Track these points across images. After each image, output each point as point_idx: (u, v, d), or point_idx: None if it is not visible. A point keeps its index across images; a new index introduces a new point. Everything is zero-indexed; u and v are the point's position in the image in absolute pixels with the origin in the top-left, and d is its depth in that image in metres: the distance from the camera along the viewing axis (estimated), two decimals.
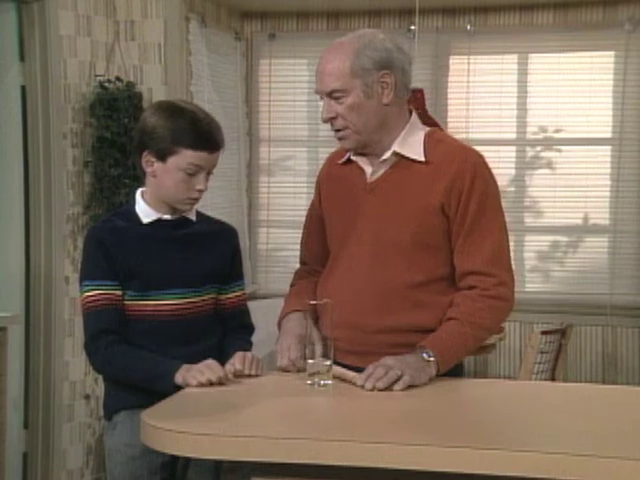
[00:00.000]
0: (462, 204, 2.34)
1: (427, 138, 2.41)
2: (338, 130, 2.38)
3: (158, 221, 2.45)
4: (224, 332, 2.54)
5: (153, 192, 2.44)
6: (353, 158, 2.47)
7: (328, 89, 2.34)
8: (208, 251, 2.49)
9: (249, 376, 2.34)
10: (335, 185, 2.52)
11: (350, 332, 2.36)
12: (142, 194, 2.48)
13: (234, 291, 2.57)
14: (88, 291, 2.40)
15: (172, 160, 2.36)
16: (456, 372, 2.38)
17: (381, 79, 2.34)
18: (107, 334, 2.37)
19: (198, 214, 2.53)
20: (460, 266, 2.37)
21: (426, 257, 2.37)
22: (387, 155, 2.40)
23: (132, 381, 2.36)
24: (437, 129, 2.51)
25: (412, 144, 2.39)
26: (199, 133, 2.36)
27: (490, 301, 2.34)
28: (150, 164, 2.40)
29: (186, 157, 2.35)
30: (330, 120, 2.37)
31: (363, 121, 2.35)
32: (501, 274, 2.36)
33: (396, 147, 2.39)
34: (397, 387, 2.18)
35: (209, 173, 2.42)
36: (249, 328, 2.61)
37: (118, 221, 2.46)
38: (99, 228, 2.49)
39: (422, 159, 2.38)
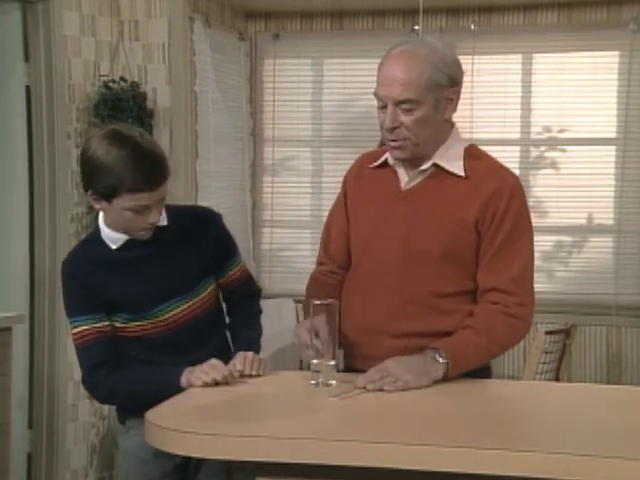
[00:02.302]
0: (495, 222, 2.34)
1: (467, 153, 2.41)
2: (396, 140, 2.34)
3: (129, 242, 2.37)
4: (232, 304, 2.53)
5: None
6: (390, 162, 2.45)
7: (401, 98, 2.29)
8: (190, 249, 2.42)
9: (250, 376, 2.34)
10: (365, 187, 2.50)
11: (375, 338, 2.36)
12: (105, 220, 2.39)
13: (231, 269, 2.53)
14: (75, 327, 2.37)
15: (116, 201, 2.28)
16: (485, 374, 2.40)
17: (449, 95, 2.34)
18: (102, 367, 2.36)
19: (169, 212, 2.41)
20: (484, 281, 2.37)
21: (454, 270, 2.36)
22: (427, 165, 2.39)
23: (140, 402, 2.25)
24: (476, 145, 2.49)
25: (452, 157, 2.39)
26: (136, 176, 2.23)
27: (509, 319, 2.34)
28: (97, 201, 2.32)
29: (128, 200, 2.26)
30: (392, 129, 2.33)
31: (426, 135, 2.33)
32: (523, 295, 2.36)
33: (437, 159, 2.38)
34: (386, 387, 2.18)
35: (161, 201, 2.32)
36: (255, 296, 2.60)
37: (87, 251, 2.41)
38: (69, 262, 2.43)
39: (462, 174, 2.37)
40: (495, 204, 2.34)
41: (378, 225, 2.42)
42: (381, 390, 2.17)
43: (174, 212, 2.44)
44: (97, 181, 2.27)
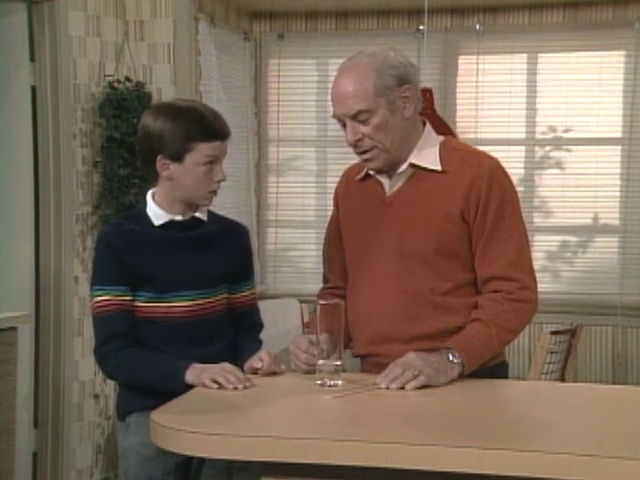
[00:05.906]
0: (480, 210, 2.35)
1: (442, 147, 2.42)
2: (365, 151, 2.37)
3: (170, 223, 2.45)
4: (235, 331, 2.54)
5: (167, 194, 2.44)
6: (371, 172, 2.47)
7: (353, 111, 2.32)
8: (220, 251, 2.49)
9: (274, 374, 2.35)
10: (353, 202, 2.52)
11: (387, 345, 2.37)
12: (153, 196, 2.47)
13: (244, 290, 2.57)
14: (98, 296, 2.40)
15: (189, 158, 2.37)
16: (502, 373, 2.42)
17: (403, 94, 2.35)
18: (117, 339, 2.38)
19: (210, 214, 2.53)
20: (482, 271, 2.38)
21: (450, 264, 2.37)
22: (404, 167, 2.40)
23: (143, 383, 2.36)
24: (452, 138, 2.52)
25: (427, 154, 2.40)
26: (208, 125, 2.38)
27: (515, 304, 2.35)
28: (165, 167, 2.39)
29: (203, 150, 2.37)
30: (356, 142, 2.36)
31: (390, 138, 2.35)
32: (524, 278, 2.37)
33: (412, 159, 2.40)
34: (409, 386, 2.18)
35: (222, 160, 2.44)
36: (258, 326, 2.62)
37: (129, 224, 2.46)
38: (109, 232, 2.49)
39: (438, 168, 2.39)
40: (476, 192, 2.35)
41: (370, 235, 2.43)
42: (402, 388, 2.18)
43: (216, 216, 2.55)
44: (168, 142, 2.36)
